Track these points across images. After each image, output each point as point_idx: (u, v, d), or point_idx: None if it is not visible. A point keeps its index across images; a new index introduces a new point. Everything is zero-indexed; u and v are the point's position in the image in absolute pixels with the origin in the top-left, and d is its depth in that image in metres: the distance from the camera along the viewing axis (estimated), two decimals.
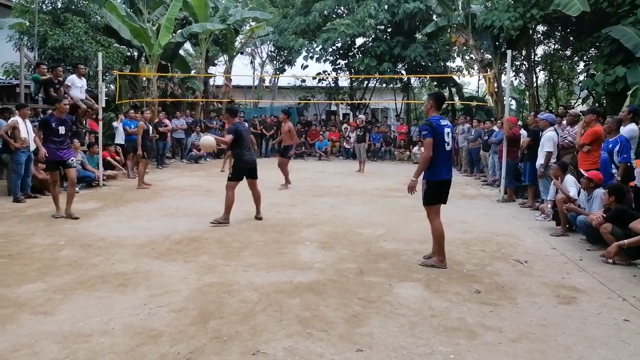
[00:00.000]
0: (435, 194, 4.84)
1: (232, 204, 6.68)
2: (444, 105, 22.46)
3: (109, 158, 11.02)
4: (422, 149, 14.91)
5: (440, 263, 4.82)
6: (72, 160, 7.08)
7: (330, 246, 5.56)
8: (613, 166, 6.25)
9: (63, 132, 6.89)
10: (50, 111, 6.71)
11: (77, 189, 9.02)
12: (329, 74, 21.14)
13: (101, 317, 3.46)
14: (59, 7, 12.90)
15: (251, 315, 3.54)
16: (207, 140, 7.01)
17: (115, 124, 12.47)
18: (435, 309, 3.74)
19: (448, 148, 4.84)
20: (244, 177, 6.89)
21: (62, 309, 3.60)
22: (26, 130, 8.12)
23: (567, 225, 6.31)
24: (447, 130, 4.80)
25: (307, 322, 3.44)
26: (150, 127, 10.77)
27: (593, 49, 15.25)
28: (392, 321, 3.51)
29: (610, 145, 6.31)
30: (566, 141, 7.95)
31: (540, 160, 7.69)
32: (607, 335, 3.36)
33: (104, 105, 10.22)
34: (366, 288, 4.17)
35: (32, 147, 8.28)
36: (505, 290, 4.18)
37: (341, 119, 23.30)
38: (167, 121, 14.26)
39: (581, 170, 6.49)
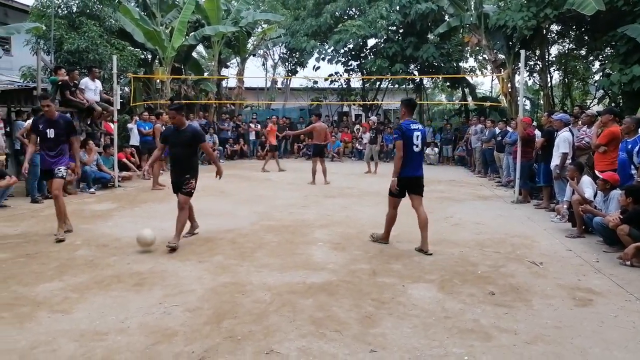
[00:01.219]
0: (401, 189, 5.45)
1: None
2: (457, 106, 22.50)
3: (124, 159, 11.14)
4: (431, 149, 14.59)
5: (383, 240, 5.76)
6: (60, 170, 5.89)
7: (343, 247, 5.56)
8: (632, 167, 6.15)
9: (52, 135, 5.90)
10: (41, 112, 6.02)
11: (92, 189, 9.18)
12: (340, 75, 21.15)
13: (117, 316, 3.50)
14: (74, 11, 13.07)
15: (264, 315, 3.56)
16: (144, 238, 5.24)
17: (129, 125, 12.62)
18: (449, 311, 3.72)
19: (417, 150, 5.38)
20: None
21: (79, 308, 3.65)
22: None
23: (584, 227, 6.23)
24: (416, 133, 5.34)
25: (321, 323, 3.45)
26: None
27: (609, 48, 15.04)
28: (406, 322, 3.50)
29: (630, 146, 6.19)
30: (583, 142, 7.85)
31: (555, 162, 7.60)
32: (624, 338, 3.31)
33: (118, 108, 10.33)
34: (379, 289, 4.17)
35: None
36: (520, 292, 4.15)
37: (353, 120, 23.29)
38: (191, 122, 14.37)
39: (596, 172, 6.41)
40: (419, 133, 5.36)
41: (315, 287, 4.19)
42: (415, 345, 3.14)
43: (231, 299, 3.88)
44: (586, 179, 6.40)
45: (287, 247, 5.54)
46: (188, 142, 5.46)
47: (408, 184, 5.42)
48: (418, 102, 21.86)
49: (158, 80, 16.25)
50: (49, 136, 5.93)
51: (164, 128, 10.45)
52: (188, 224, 5.82)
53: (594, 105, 18.91)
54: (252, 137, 18.22)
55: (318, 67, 21.00)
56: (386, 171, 14.07)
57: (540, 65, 17.88)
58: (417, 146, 5.34)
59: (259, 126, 18.18)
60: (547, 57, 18.03)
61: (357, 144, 18.81)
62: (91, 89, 10.25)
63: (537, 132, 9.71)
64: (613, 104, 13.87)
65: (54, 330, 3.27)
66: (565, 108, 18.25)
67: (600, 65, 16.66)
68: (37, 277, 4.33)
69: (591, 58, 18.22)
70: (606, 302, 3.96)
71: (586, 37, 16.52)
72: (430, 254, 5.26)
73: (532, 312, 3.72)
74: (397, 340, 3.21)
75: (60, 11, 12.95)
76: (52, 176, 5.90)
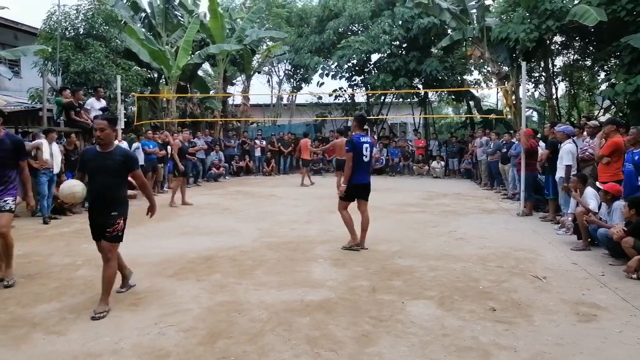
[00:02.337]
0: (350, 193, 6.09)
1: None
2: (463, 119, 22.45)
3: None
4: (437, 162, 14.59)
5: (353, 242, 6.07)
6: (6, 202, 4.73)
7: (343, 263, 5.51)
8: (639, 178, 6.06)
9: None
10: None
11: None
12: (345, 91, 21.25)
13: (111, 337, 3.48)
14: (81, 32, 13.32)
15: (260, 335, 3.51)
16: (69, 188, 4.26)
17: (134, 145, 12.71)
18: (448, 328, 3.65)
19: (366, 160, 6.07)
20: None
21: (74, 329, 3.63)
22: (50, 152, 8.34)
23: (589, 239, 6.12)
24: (365, 145, 6.03)
25: (316, 342, 3.40)
26: (187, 146, 10.87)
27: (613, 58, 14.99)
28: (403, 340, 3.43)
29: (637, 157, 6.10)
30: (586, 153, 7.77)
31: (560, 174, 7.52)
32: (629, 355, 3.22)
33: (123, 127, 10.43)
34: (378, 306, 4.11)
35: (56, 169, 8.50)
36: (521, 308, 4.06)
37: None
38: (196, 140, 14.51)
39: (597, 184, 6.32)
40: (367, 145, 6.06)
41: (312, 305, 4.15)
42: None
43: (227, 318, 3.85)
44: (590, 191, 6.31)
45: (287, 264, 5.50)
46: (116, 168, 4.07)
47: (358, 189, 6.07)
48: (423, 116, 22.03)
49: (164, 99, 16.43)
50: None
51: (184, 145, 10.51)
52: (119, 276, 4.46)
53: (600, 115, 18.76)
54: (258, 153, 18.30)
55: (322, 83, 21.15)
56: (391, 185, 14.08)
57: (545, 77, 17.83)
58: (366, 157, 6.04)
59: (264, 142, 18.27)
60: (551, 68, 17.99)
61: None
62: (96, 108, 10.38)
63: (542, 144, 9.65)
64: (619, 114, 13.76)
65: (48, 352, 3.25)
66: (572, 119, 18.15)
67: (605, 76, 16.60)
68: (35, 298, 4.33)
69: (596, 68, 18.16)
70: (610, 317, 3.86)
71: (591, 48, 16.49)
72: (366, 249, 6.05)
73: (533, 328, 3.64)
74: None
75: (67, 33, 13.21)
76: None
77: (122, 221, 4.20)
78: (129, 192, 11.54)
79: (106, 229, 4.08)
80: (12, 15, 17.82)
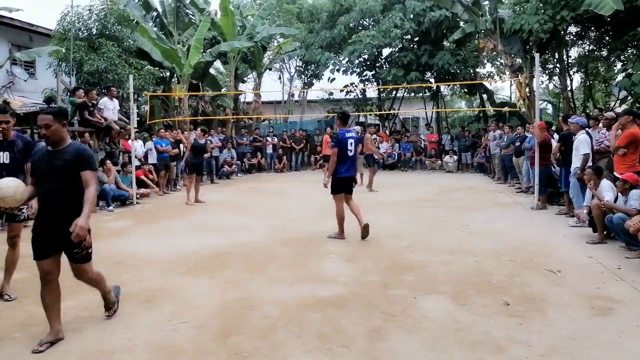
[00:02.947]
0: (339, 186, 6.40)
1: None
2: (475, 113, 22.24)
3: (142, 177, 11.32)
4: (449, 156, 14.36)
5: (339, 235, 6.47)
6: (22, 210, 4.40)
7: (355, 259, 5.50)
8: None
9: (7, 160, 4.51)
10: None
11: (111, 207, 9.33)
12: (356, 86, 21.16)
13: (125, 334, 3.52)
14: (93, 33, 13.45)
15: (272, 331, 3.53)
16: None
17: (149, 144, 12.83)
18: (461, 323, 3.62)
19: (350, 154, 6.37)
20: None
21: (88, 326, 3.68)
22: None
23: (605, 232, 6.03)
24: (350, 140, 6.34)
25: (327, 337, 3.40)
26: (202, 144, 10.81)
27: (630, 48, 14.69)
28: (415, 336, 3.42)
29: None
30: (602, 145, 7.64)
31: (575, 164, 7.40)
32: None
33: (136, 126, 10.53)
34: (389, 301, 4.09)
35: None
36: (535, 302, 4.02)
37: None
38: (211, 138, 14.60)
39: (616, 174, 6.21)
40: (352, 140, 6.38)
41: (324, 300, 4.15)
42: None
43: (239, 314, 3.87)
44: (605, 183, 6.21)
45: (299, 260, 5.51)
46: (66, 169, 3.38)
47: (344, 183, 6.40)
48: (435, 110, 21.88)
49: (176, 98, 16.54)
50: (2, 161, 4.47)
51: (199, 143, 10.48)
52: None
53: (617, 106, 18.43)
54: (269, 150, 18.34)
55: (333, 79, 21.08)
56: (404, 180, 14.02)
57: (559, 68, 17.56)
58: (350, 151, 6.36)
59: (275, 139, 18.30)
60: (566, 59, 17.70)
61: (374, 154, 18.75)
62: (109, 108, 10.50)
63: (556, 136, 9.51)
64: (636, 105, 13.49)
65: (63, 350, 3.30)
66: (588, 111, 17.86)
67: (621, 66, 16.28)
68: None
69: (612, 59, 17.83)
70: (627, 311, 3.80)
71: (607, 38, 16.18)
72: (367, 224, 6.35)
73: (547, 322, 3.60)
74: (405, 355, 3.13)
75: (80, 33, 13.34)
76: (10, 218, 4.42)
77: (88, 235, 3.52)
78: (142, 190, 11.71)
79: (73, 250, 3.47)
80: (27, 17, 18.08)
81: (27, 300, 4.32)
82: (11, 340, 3.48)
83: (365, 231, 6.35)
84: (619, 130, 6.73)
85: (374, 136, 19.69)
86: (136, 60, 14.21)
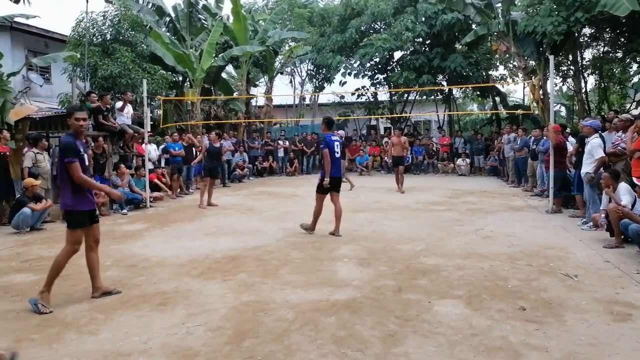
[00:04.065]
0: (325, 186, 6.87)
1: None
2: (488, 115, 22.06)
3: (155, 180, 11.41)
4: (462, 160, 14.40)
5: (310, 229, 7.08)
6: (96, 210, 4.60)
7: (368, 262, 5.47)
8: None
9: (88, 161, 4.60)
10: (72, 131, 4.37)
11: (125, 210, 9.41)
12: (367, 89, 21.13)
13: (140, 337, 3.53)
14: (107, 38, 13.61)
15: (286, 335, 3.52)
16: None
17: (161, 147, 12.94)
18: (477, 328, 3.58)
19: (337, 155, 6.90)
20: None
21: (104, 329, 3.70)
22: None
23: (622, 236, 5.93)
24: (336, 143, 6.94)
25: (342, 342, 3.38)
26: (217, 147, 10.87)
27: None
28: (430, 340, 3.39)
29: None
30: (618, 148, 7.53)
31: (585, 169, 7.29)
32: None
33: (149, 130, 10.61)
34: (404, 306, 4.06)
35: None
36: (552, 307, 3.96)
37: (382, 133, 23.19)
38: (223, 142, 14.66)
39: (634, 179, 6.12)
40: (337, 142, 6.98)
41: (338, 304, 4.13)
42: None
43: (253, 317, 3.87)
44: (623, 186, 6.12)
45: (312, 263, 5.50)
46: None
47: (332, 182, 6.86)
48: (447, 113, 21.77)
49: (189, 102, 16.66)
50: (87, 163, 4.41)
51: (214, 147, 10.58)
52: None
53: (632, 109, 18.17)
54: (281, 154, 18.37)
55: (345, 82, 21.08)
56: (416, 183, 13.93)
57: (573, 70, 17.37)
58: (337, 153, 6.91)
59: (287, 143, 18.33)
60: (580, 61, 17.51)
61: (385, 157, 18.71)
62: (123, 113, 10.60)
63: (571, 139, 9.39)
64: None
65: (79, 352, 3.32)
66: (603, 113, 17.63)
67: (637, 67, 16.05)
68: (67, 299, 4.44)
69: (628, 60, 17.58)
70: None
71: (622, 39, 15.98)
72: (340, 236, 6.87)
73: (565, 328, 3.54)
74: None
75: (95, 39, 13.51)
76: (93, 220, 4.45)
77: None
78: (155, 193, 11.83)
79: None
80: (43, 23, 18.36)
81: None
82: (29, 341, 3.51)
83: (309, 232, 7.10)
84: (635, 133, 6.64)
85: (385, 139, 19.73)
86: (149, 65, 14.34)
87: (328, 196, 7.07)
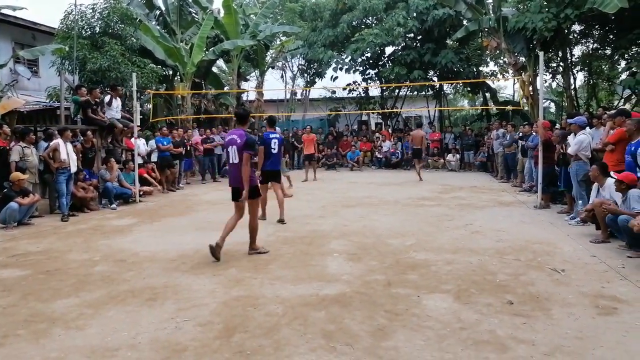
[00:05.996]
0: (265, 177, 7.60)
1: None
2: (478, 111, 22.19)
3: (145, 175, 11.33)
4: (452, 155, 14.41)
5: (261, 216, 7.35)
6: None
7: (358, 257, 5.49)
8: (638, 170, 5.97)
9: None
10: None
11: (114, 205, 9.35)
12: (359, 85, 21.13)
13: (129, 332, 3.52)
14: (96, 31, 13.46)
15: (275, 329, 3.52)
16: None
17: (151, 142, 12.85)
18: (465, 321, 3.61)
19: (274, 151, 7.55)
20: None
21: (92, 324, 3.68)
22: (66, 151, 8.45)
23: (608, 231, 6.00)
24: (274, 140, 7.53)
25: (332, 336, 3.39)
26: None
27: (635, 47, 14.62)
28: (419, 334, 3.41)
29: (633, 148, 6.09)
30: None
31: (573, 166, 7.41)
32: None
33: (139, 124, 10.52)
34: (393, 300, 4.09)
35: (73, 168, 8.61)
36: (539, 301, 4.00)
37: (373, 128, 23.22)
38: (214, 137, 14.60)
39: (612, 173, 6.22)
40: (276, 140, 7.56)
41: (328, 299, 4.14)
42: (427, 358, 3.05)
43: (243, 312, 3.87)
44: (611, 181, 6.18)
45: (302, 258, 5.51)
46: None
47: (269, 174, 7.62)
48: (438, 109, 21.84)
49: (179, 96, 16.55)
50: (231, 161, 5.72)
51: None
52: None
53: (620, 105, 18.34)
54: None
55: (336, 77, 21.08)
56: (406, 178, 14.00)
57: (563, 67, 17.49)
58: (274, 149, 7.54)
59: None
60: (569, 58, 17.64)
61: (377, 153, 18.78)
62: (113, 106, 10.49)
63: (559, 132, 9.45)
64: None
65: (67, 347, 3.30)
66: (591, 109, 17.79)
67: (626, 64, 16.20)
68: (54, 294, 4.40)
69: (617, 57, 17.72)
70: (631, 311, 3.78)
71: (611, 36, 16.11)
72: (285, 223, 7.51)
73: (551, 321, 3.59)
74: (409, 353, 3.12)
75: (83, 32, 13.36)
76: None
77: None
78: (145, 188, 11.77)
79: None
80: (31, 15, 18.09)
81: (30, 297, 4.33)
82: (15, 337, 3.48)
83: (280, 222, 7.60)
84: (611, 128, 6.80)
85: (377, 135, 19.78)
86: (139, 58, 14.21)
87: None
